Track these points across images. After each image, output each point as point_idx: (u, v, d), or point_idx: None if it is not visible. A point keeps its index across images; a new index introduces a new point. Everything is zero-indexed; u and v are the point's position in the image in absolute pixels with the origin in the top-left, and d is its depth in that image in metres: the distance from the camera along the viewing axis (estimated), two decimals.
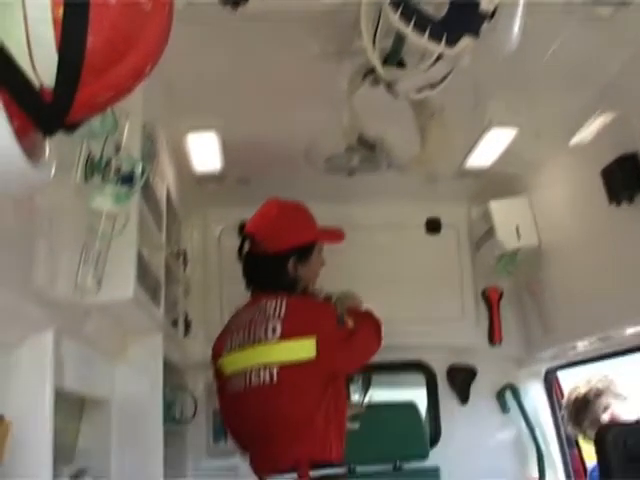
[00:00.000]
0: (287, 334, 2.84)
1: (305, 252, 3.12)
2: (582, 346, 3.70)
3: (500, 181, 3.99)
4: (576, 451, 4.44)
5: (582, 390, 3.73)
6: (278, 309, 2.89)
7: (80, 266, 1.99)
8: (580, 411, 3.71)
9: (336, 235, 3.24)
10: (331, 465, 2.89)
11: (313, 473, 2.79)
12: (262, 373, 2.88)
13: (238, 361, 2.96)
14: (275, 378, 2.85)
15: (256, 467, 2.97)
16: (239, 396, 2.96)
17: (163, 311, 3.02)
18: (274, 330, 2.85)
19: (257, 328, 2.89)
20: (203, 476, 4.22)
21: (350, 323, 2.99)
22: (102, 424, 2.71)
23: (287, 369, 2.82)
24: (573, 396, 3.78)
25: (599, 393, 3.65)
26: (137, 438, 2.79)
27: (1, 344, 1.85)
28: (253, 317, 2.94)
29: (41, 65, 1.17)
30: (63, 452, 2.31)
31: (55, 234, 1.88)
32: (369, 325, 3.13)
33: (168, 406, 3.31)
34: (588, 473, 4.05)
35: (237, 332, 2.99)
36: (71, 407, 2.59)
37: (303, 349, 2.81)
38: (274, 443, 2.87)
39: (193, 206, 4.23)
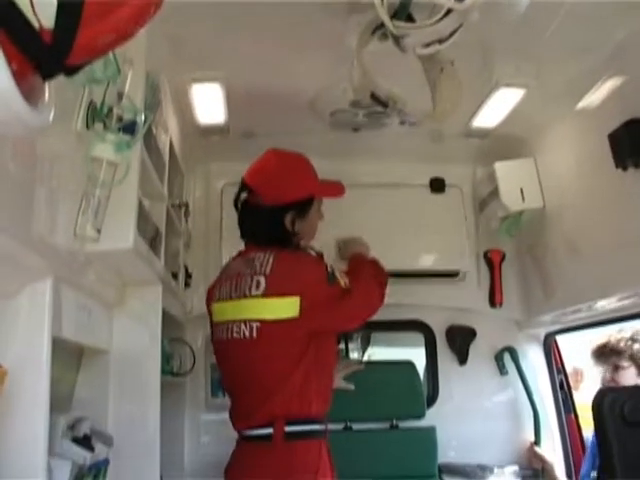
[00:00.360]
0: (270, 291, 2.76)
1: (304, 206, 2.99)
2: (584, 310, 3.70)
3: (506, 143, 3.97)
4: (572, 416, 4.47)
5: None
6: (265, 264, 2.80)
7: (80, 215, 1.98)
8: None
9: (337, 189, 3.11)
10: (312, 422, 2.85)
11: (288, 429, 2.78)
12: (243, 327, 2.84)
13: (223, 312, 2.94)
14: (255, 333, 2.81)
15: (234, 420, 2.95)
16: (222, 344, 2.96)
17: (163, 262, 3.02)
18: (258, 286, 2.78)
19: (243, 282, 2.83)
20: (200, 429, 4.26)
21: (343, 281, 2.87)
22: (100, 375, 2.72)
23: (268, 325, 2.76)
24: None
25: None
26: (135, 389, 2.79)
27: (0, 293, 1.84)
28: (241, 270, 2.88)
29: (41, 5, 1.15)
30: (60, 401, 2.31)
31: (55, 182, 1.86)
32: (367, 283, 3.02)
33: (166, 358, 3.32)
34: (587, 446, 4.06)
35: (225, 282, 2.94)
36: (69, 357, 2.59)
37: (286, 308, 2.75)
38: (250, 397, 2.85)
39: (196, 160, 4.22)
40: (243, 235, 3.05)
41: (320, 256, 3.02)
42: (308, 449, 2.75)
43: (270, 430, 2.76)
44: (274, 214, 2.92)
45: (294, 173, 3.00)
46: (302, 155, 3.03)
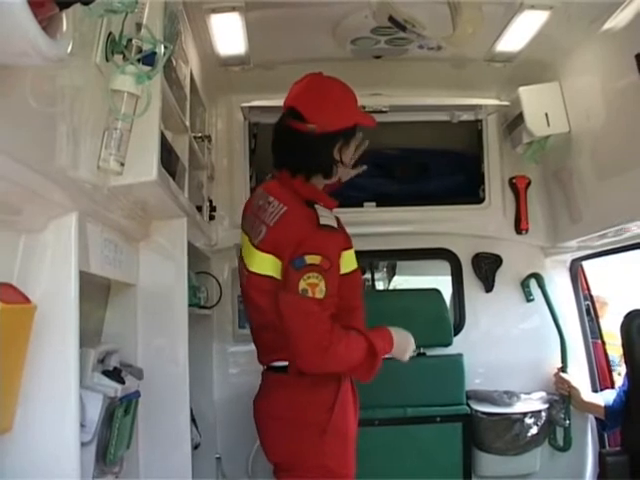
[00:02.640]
0: (264, 245, 2.71)
1: (350, 134, 2.85)
2: (610, 234, 3.67)
3: (530, 68, 3.89)
4: (599, 342, 4.47)
5: None
6: (274, 215, 2.71)
7: (102, 148, 1.96)
8: None
9: (371, 118, 2.96)
10: None
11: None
12: (244, 270, 2.87)
13: (243, 245, 2.95)
14: (245, 281, 2.85)
15: (257, 354, 2.99)
16: (239, 279, 3.02)
17: (187, 195, 3.01)
18: (259, 235, 2.74)
19: (256, 221, 2.79)
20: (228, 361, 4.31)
21: (316, 293, 2.57)
22: (128, 309, 2.74)
23: (254, 277, 2.76)
24: None
25: None
26: (163, 322, 2.82)
27: (26, 229, 1.85)
28: (260, 205, 2.82)
29: None
30: (89, 336, 2.33)
31: (76, 116, 1.84)
32: (346, 346, 2.63)
33: (193, 291, 3.35)
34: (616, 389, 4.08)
35: (250, 211, 2.91)
36: (97, 292, 2.61)
37: (270, 266, 2.69)
38: (265, 335, 2.88)
39: (218, 92, 4.19)
40: (278, 163, 2.91)
41: (338, 222, 2.78)
42: (324, 385, 2.74)
43: (286, 363, 2.78)
44: (326, 141, 2.80)
45: (342, 100, 2.85)
46: (343, 82, 2.89)
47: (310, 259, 2.58)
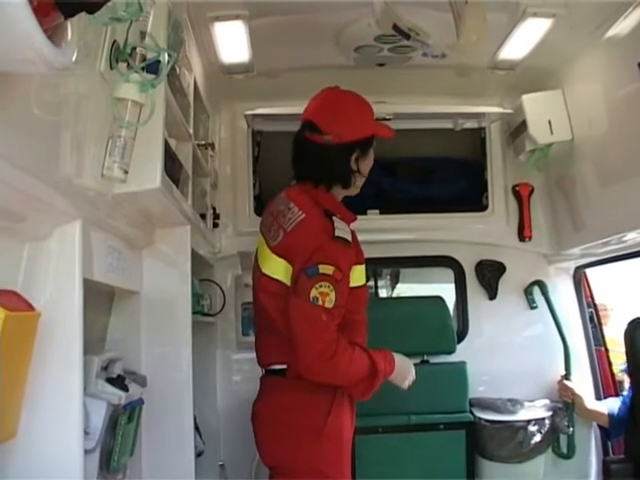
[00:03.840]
0: (279, 249, 2.75)
1: (367, 145, 2.90)
2: (613, 242, 3.67)
3: (533, 75, 3.90)
4: (602, 349, 4.47)
5: None
6: (292, 220, 2.74)
7: (106, 156, 1.97)
8: None
9: (389, 129, 3.01)
10: None
11: None
12: (257, 271, 2.90)
13: (258, 249, 2.98)
14: (257, 282, 2.89)
15: (257, 357, 3.00)
16: (252, 279, 3.04)
17: (191, 203, 3.02)
18: (277, 237, 2.77)
19: (274, 225, 2.82)
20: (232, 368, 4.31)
21: (326, 302, 2.59)
22: (131, 316, 2.75)
23: (265, 279, 2.80)
24: None
25: None
26: (166, 330, 2.82)
27: (30, 236, 1.85)
28: (280, 210, 2.84)
29: None
30: (93, 343, 2.34)
31: (81, 124, 1.85)
32: (348, 362, 2.64)
33: (197, 299, 3.35)
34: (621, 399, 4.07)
35: (270, 215, 2.93)
36: (100, 299, 2.62)
37: (282, 270, 2.72)
38: (268, 337, 2.91)
39: (221, 99, 4.21)
40: (300, 176, 2.95)
41: (352, 236, 2.79)
42: (321, 389, 2.74)
43: (284, 366, 2.81)
44: (342, 152, 2.85)
45: (359, 111, 2.91)
46: (359, 95, 2.94)
47: (323, 269, 2.60)
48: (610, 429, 4.02)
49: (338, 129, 2.83)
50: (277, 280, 2.74)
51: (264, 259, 2.84)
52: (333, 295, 2.59)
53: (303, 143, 2.91)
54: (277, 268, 2.74)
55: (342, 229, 2.70)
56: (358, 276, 2.83)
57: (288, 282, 2.70)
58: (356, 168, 2.88)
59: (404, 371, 2.89)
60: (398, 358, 2.86)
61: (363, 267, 2.91)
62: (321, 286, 2.59)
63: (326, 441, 2.72)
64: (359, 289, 2.85)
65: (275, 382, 2.88)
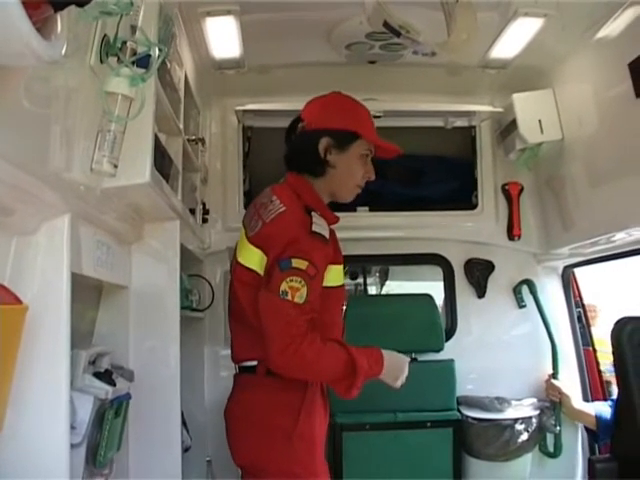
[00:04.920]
0: (255, 238, 2.72)
1: (344, 138, 2.84)
2: (602, 242, 3.68)
3: (524, 74, 3.91)
4: (590, 349, 4.49)
5: None
6: (273, 212, 2.70)
7: (96, 150, 1.96)
8: None
9: (393, 149, 2.97)
10: None
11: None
12: (234, 260, 2.89)
13: (239, 240, 2.95)
14: (232, 270, 2.88)
15: (232, 353, 2.97)
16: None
17: (180, 198, 3.02)
18: (255, 227, 2.74)
19: (255, 216, 2.79)
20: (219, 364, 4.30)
21: (296, 297, 2.55)
22: (120, 311, 2.74)
23: (239, 269, 2.77)
24: None
25: None
26: (154, 325, 2.82)
27: (18, 230, 1.85)
28: (263, 202, 2.81)
29: None
30: (81, 338, 2.33)
31: (70, 118, 1.85)
32: (327, 357, 2.61)
33: (185, 294, 3.34)
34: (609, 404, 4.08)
35: (250, 208, 2.92)
36: (89, 294, 2.61)
37: (256, 260, 2.70)
38: (241, 333, 2.89)
39: (212, 95, 4.20)
40: (286, 165, 2.94)
41: (331, 235, 2.78)
42: (290, 388, 2.71)
43: (255, 363, 2.78)
44: (309, 136, 2.84)
45: (345, 107, 2.90)
46: (357, 99, 2.93)
47: (297, 263, 2.57)
48: (598, 432, 4.03)
49: (312, 115, 2.85)
50: (251, 269, 2.71)
51: (241, 249, 2.82)
52: (304, 290, 2.55)
53: (287, 131, 2.95)
54: (252, 257, 2.71)
55: (320, 225, 2.67)
56: (334, 276, 2.81)
57: (262, 272, 2.67)
58: (325, 157, 2.83)
59: (395, 370, 2.82)
60: (388, 356, 2.79)
61: (341, 267, 2.89)
62: (292, 280, 2.55)
63: (297, 442, 2.68)
64: (335, 289, 2.83)
65: (246, 380, 2.85)
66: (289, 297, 2.54)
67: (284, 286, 2.55)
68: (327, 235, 2.69)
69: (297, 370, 2.61)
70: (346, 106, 2.92)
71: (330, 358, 2.62)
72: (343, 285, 2.98)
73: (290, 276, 2.55)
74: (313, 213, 2.70)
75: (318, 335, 2.59)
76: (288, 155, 2.92)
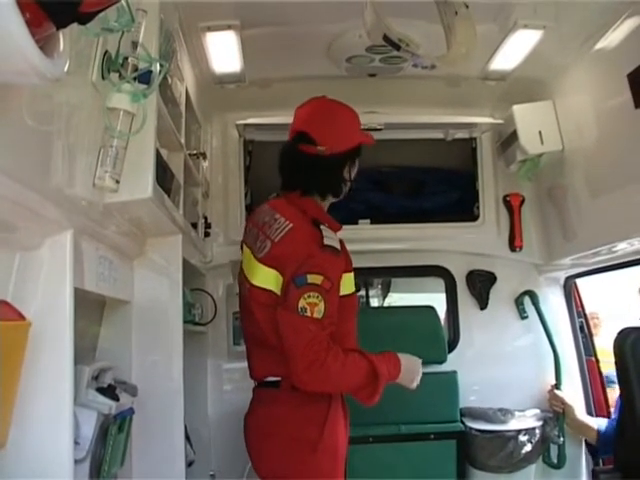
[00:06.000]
0: (267, 259, 2.73)
1: (357, 152, 2.93)
2: (604, 252, 3.68)
3: (524, 86, 3.92)
4: (593, 359, 4.48)
5: None
6: (279, 231, 2.73)
7: (98, 166, 1.97)
8: None
9: (370, 136, 3.03)
10: None
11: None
12: (245, 284, 2.89)
13: (244, 260, 2.97)
14: (247, 294, 2.86)
15: (250, 370, 3.00)
16: (239, 294, 3.05)
17: (182, 212, 3.02)
18: (264, 248, 2.76)
19: (260, 236, 2.82)
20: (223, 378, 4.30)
21: (315, 312, 2.58)
22: (122, 326, 2.74)
23: (255, 290, 2.78)
24: None
25: None
26: (157, 339, 2.82)
27: (21, 246, 1.85)
28: (265, 221, 2.84)
29: None
30: (84, 353, 2.34)
31: (73, 134, 1.85)
32: (347, 368, 2.63)
33: (188, 308, 3.35)
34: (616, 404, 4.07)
35: (254, 227, 2.93)
36: (91, 309, 2.61)
37: (272, 280, 2.71)
38: (259, 351, 2.91)
39: (213, 109, 4.21)
40: (289, 185, 2.95)
41: (341, 245, 2.80)
42: (315, 402, 2.74)
43: (279, 378, 2.79)
44: (335, 163, 2.88)
45: (348, 122, 2.94)
46: (347, 104, 2.97)
47: (312, 278, 2.59)
48: (598, 446, 4.02)
49: (331, 140, 2.84)
50: (268, 290, 2.72)
51: (252, 271, 2.82)
52: (322, 305, 2.58)
53: (295, 154, 2.91)
54: (267, 278, 2.72)
55: (331, 237, 2.70)
56: (347, 284, 2.82)
57: (279, 292, 2.68)
58: (348, 177, 2.92)
59: (411, 372, 2.88)
60: (404, 360, 2.84)
61: (352, 275, 2.91)
62: (309, 296, 2.58)
63: (321, 453, 2.71)
64: (349, 297, 2.84)
65: (269, 394, 2.86)
66: (308, 313, 2.56)
67: (302, 303, 2.57)
68: (338, 246, 2.72)
69: (323, 384, 2.64)
70: (350, 120, 2.95)
71: (353, 369, 2.65)
72: (355, 292, 2.99)
73: (307, 292, 2.58)
74: (322, 226, 2.72)
75: (339, 347, 2.61)
76: (299, 178, 2.93)
